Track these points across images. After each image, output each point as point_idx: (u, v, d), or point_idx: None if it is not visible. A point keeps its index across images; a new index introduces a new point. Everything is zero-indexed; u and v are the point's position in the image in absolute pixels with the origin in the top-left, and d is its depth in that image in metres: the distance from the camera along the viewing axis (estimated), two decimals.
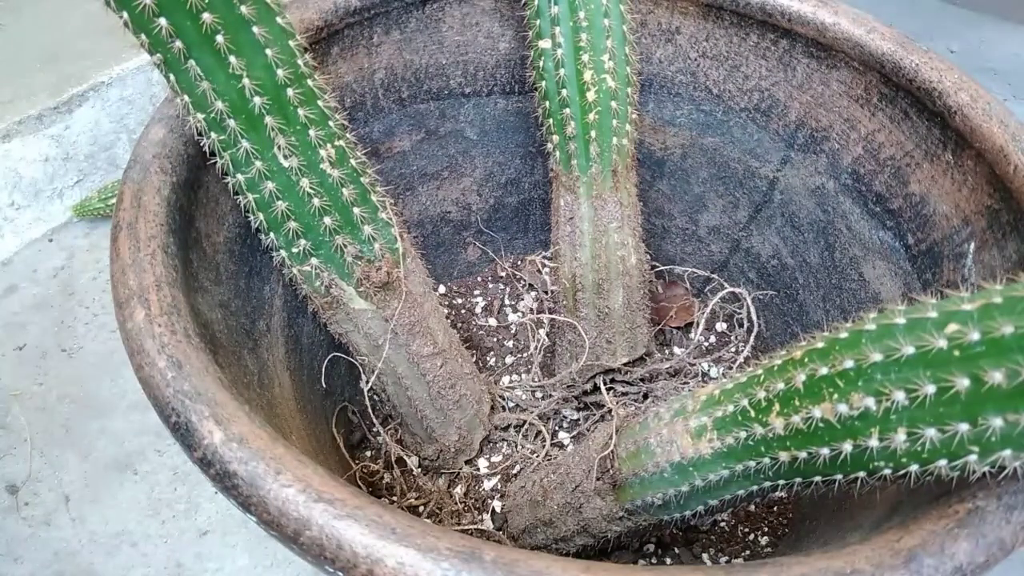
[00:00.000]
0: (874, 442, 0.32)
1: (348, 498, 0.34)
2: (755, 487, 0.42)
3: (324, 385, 0.70)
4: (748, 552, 0.70)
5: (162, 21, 0.41)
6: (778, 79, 0.71)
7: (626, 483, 0.50)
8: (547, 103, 0.68)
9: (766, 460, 0.39)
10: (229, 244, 0.56)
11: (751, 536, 0.71)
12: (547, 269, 0.93)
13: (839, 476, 0.36)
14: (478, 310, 0.90)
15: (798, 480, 0.39)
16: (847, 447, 0.33)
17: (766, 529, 0.72)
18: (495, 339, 0.87)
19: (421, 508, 0.70)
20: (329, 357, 0.68)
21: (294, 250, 0.54)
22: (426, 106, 0.79)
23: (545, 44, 0.65)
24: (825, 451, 0.35)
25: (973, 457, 0.30)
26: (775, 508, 0.73)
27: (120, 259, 0.44)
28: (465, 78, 0.79)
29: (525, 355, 0.84)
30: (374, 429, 0.77)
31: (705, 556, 0.69)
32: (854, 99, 0.66)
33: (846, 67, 0.66)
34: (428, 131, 0.81)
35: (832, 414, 0.33)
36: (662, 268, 0.91)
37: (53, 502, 0.81)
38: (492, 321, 0.89)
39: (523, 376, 0.83)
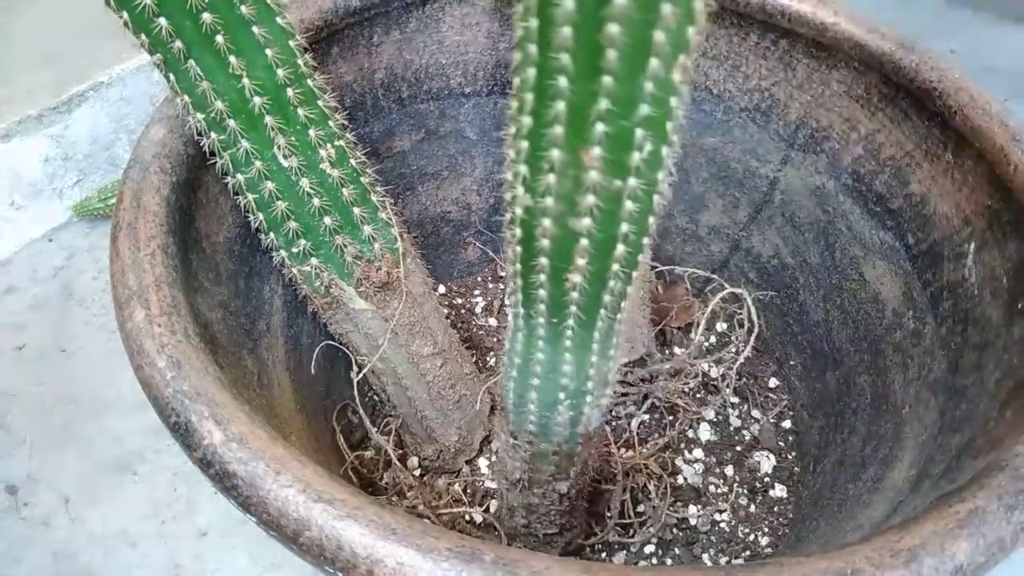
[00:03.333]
0: None
1: (348, 498, 0.34)
2: None
3: (323, 386, 0.70)
4: (748, 552, 0.70)
5: (162, 21, 0.41)
6: (778, 79, 0.71)
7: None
8: None
9: None
10: (229, 244, 0.56)
11: (751, 536, 0.71)
12: None
13: None
14: (478, 310, 0.90)
15: None
16: None
17: (766, 529, 0.72)
18: (495, 339, 0.87)
19: (421, 508, 0.70)
20: (321, 346, 0.67)
21: (294, 250, 0.54)
22: (426, 106, 0.79)
23: None
24: None
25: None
26: (775, 508, 0.73)
27: (120, 259, 0.44)
28: (465, 78, 0.79)
29: None
30: (373, 429, 0.77)
31: (705, 556, 0.69)
32: (854, 99, 0.67)
33: (846, 67, 0.66)
34: (428, 131, 0.81)
35: None
36: (662, 268, 0.91)
37: (52, 502, 0.81)
38: (492, 321, 0.89)
39: None
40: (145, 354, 0.40)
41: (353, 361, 0.64)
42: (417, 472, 0.73)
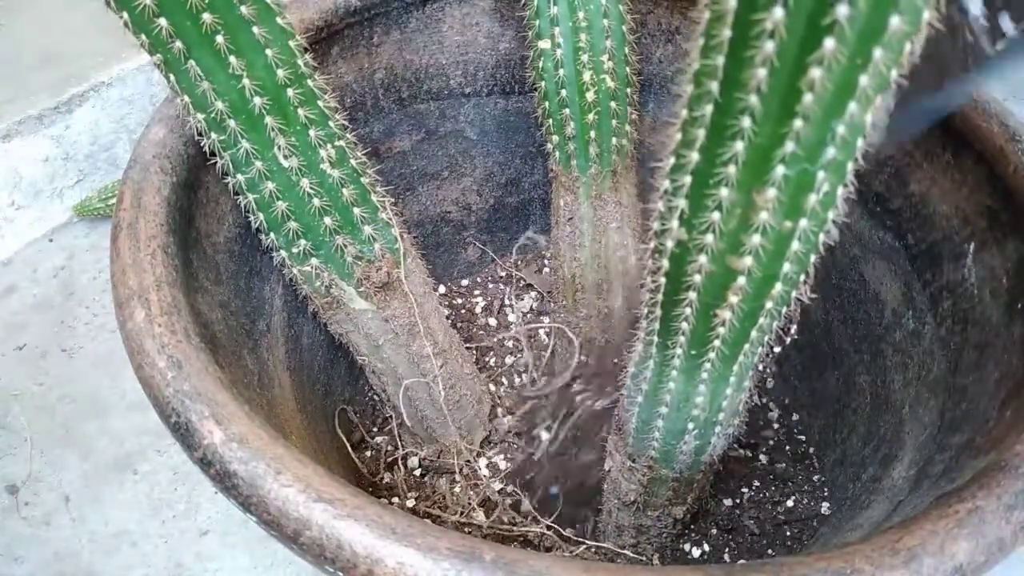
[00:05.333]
0: None
1: (348, 498, 0.34)
2: None
3: (323, 386, 0.70)
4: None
5: (162, 21, 0.41)
6: None
7: None
8: (546, 103, 0.68)
9: None
10: (229, 244, 0.56)
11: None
12: (547, 269, 0.93)
13: None
14: (478, 310, 0.90)
15: None
16: None
17: None
18: (495, 339, 0.87)
19: (421, 508, 0.70)
20: (321, 346, 0.67)
21: (294, 250, 0.54)
22: (426, 106, 0.79)
23: (544, 44, 0.65)
24: None
25: None
26: None
27: (120, 259, 0.44)
28: (465, 78, 0.79)
29: (524, 356, 0.84)
30: (373, 430, 0.77)
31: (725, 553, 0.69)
32: None
33: None
34: (428, 131, 0.81)
35: None
36: None
37: (53, 502, 0.82)
38: (492, 321, 0.89)
39: (523, 377, 0.83)
40: (145, 354, 0.40)
41: (353, 360, 0.64)
42: (417, 472, 0.73)
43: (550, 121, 0.68)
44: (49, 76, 1.09)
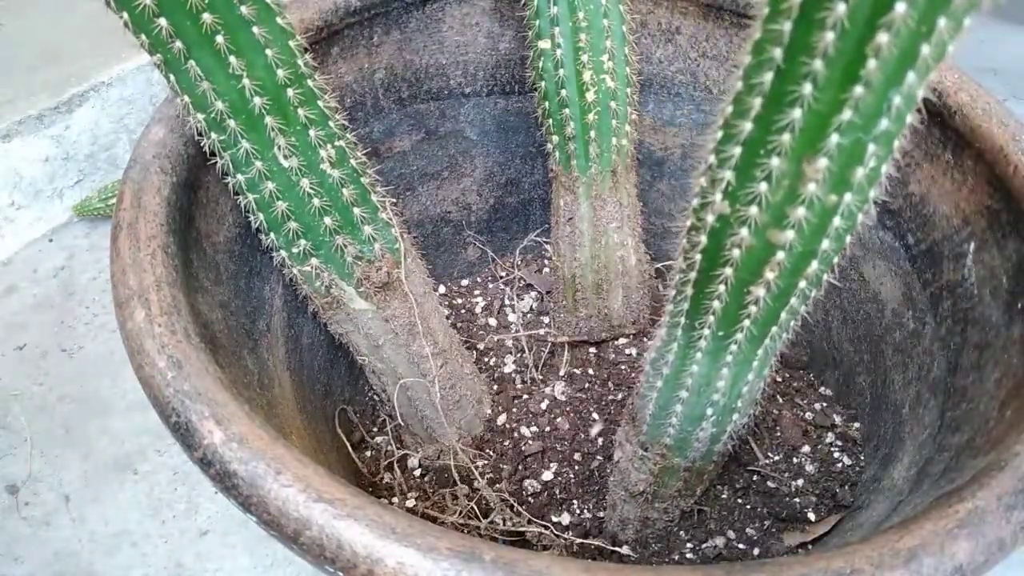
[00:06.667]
0: None
1: (348, 498, 0.34)
2: None
3: (323, 386, 0.70)
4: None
5: (162, 21, 0.41)
6: None
7: None
8: (546, 103, 0.68)
9: None
10: (229, 244, 0.56)
11: None
12: (547, 269, 0.93)
13: None
14: (478, 310, 0.90)
15: None
16: None
17: None
18: (495, 339, 0.87)
19: (421, 508, 0.70)
20: (321, 346, 0.67)
21: (294, 250, 0.54)
22: (426, 106, 0.79)
23: (544, 44, 0.65)
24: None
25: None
26: None
27: (120, 259, 0.44)
28: (465, 78, 0.79)
29: (524, 356, 0.84)
30: (373, 430, 0.77)
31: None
32: None
33: None
34: (428, 131, 0.81)
35: None
36: (661, 266, 0.91)
37: (53, 502, 0.82)
38: (492, 321, 0.89)
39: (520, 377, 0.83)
40: (145, 354, 0.40)
41: (353, 360, 0.64)
42: (417, 472, 0.73)
43: (550, 121, 0.69)
44: (49, 76, 1.10)
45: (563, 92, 0.66)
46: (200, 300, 0.49)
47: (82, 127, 1.10)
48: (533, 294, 0.91)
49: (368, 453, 0.75)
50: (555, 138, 0.69)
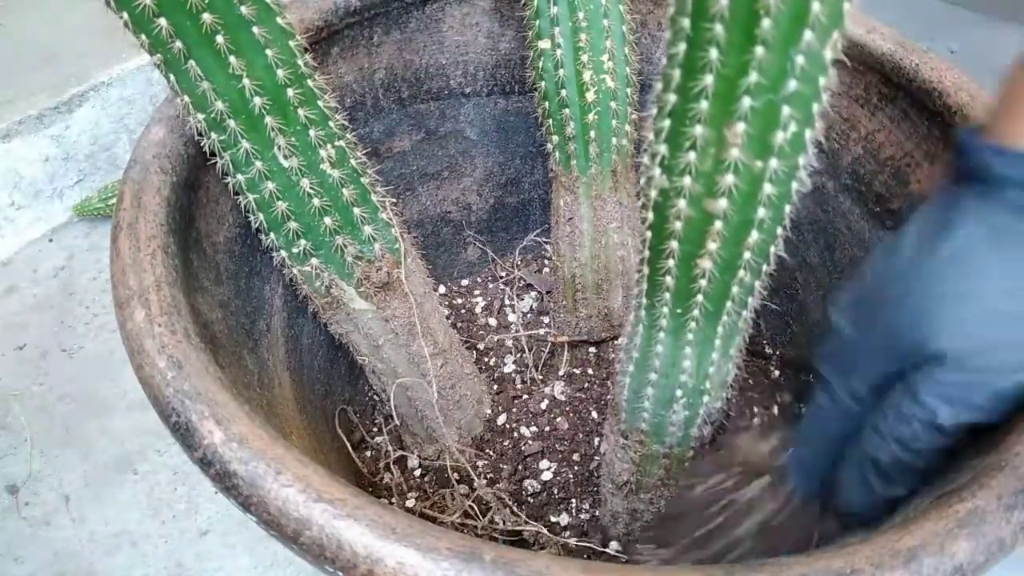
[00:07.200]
0: None
1: (348, 498, 0.34)
2: None
3: (323, 386, 0.70)
4: None
5: (162, 21, 0.41)
6: None
7: None
8: (546, 103, 0.68)
9: None
10: (229, 244, 0.56)
11: None
12: (547, 269, 0.93)
13: None
14: (478, 310, 0.90)
15: None
16: None
17: None
18: (495, 339, 0.87)
19: (421, 509, 0.70)
20: (321, 346, 0.67)
21: (294, 250, 0.54)
22: (426, 106, 0.79)
23: (544, 44, 0.65)
24: None
25: None
26: None
27: (120, 259, 0.44)
28: (465, 78, 0.79)
29: (524, 356, 0.84)
30: (373, 430, 0.77)
31: None
32: (854, 99, 0.66)
33: (845, 67, 0.66)
34: (428, 131, 0.81)
35: None
36: None
37: (53, 502, 0.82)
38: (492, 321, 0.89)
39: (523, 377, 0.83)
40: (145, 354, 0.40)
41: (353, 360, 0.64)
42: (417, 472, 0.73)
43: (550, 121, 0.69)
44: (49, 76, 1.10)
45: (563, 92, 0.66)
46: (200, 300, 0.49)
47: (82, 127, 1.10)
48: (533, 294, 0.91)
49: (368, 453, 0.75)
50: (555, 138, 0.69)
